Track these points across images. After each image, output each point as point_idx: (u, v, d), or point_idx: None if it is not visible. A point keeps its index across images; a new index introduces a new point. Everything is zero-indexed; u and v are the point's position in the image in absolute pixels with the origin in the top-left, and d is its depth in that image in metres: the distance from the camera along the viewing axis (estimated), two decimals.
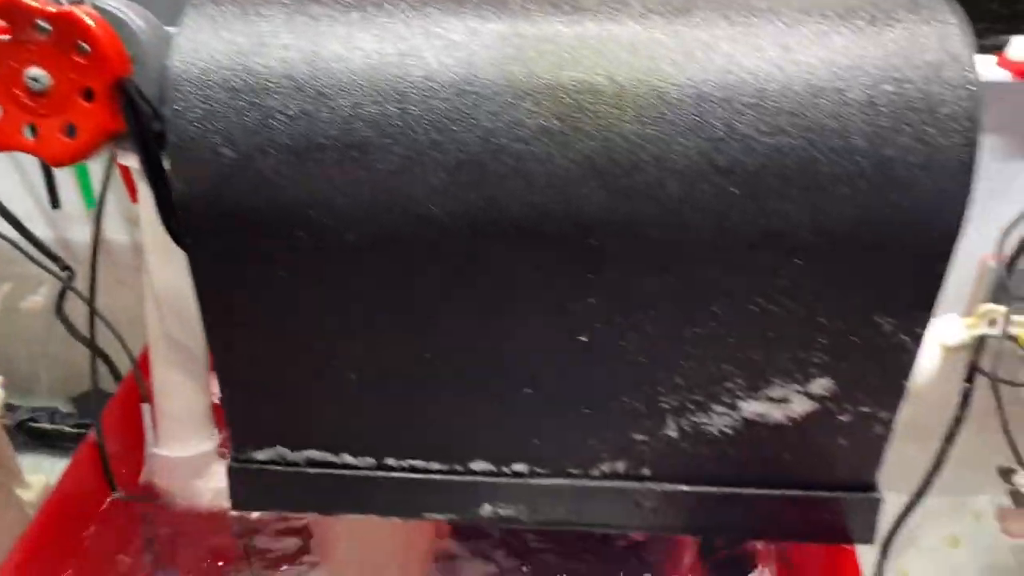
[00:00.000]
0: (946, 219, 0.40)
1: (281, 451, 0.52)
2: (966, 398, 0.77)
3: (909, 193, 0.39)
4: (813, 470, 0.50)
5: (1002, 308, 0.73)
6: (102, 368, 0.70)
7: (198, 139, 0.41)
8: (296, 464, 0.52)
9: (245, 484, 0.53)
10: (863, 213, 0.40)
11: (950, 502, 0.95)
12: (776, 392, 0.47)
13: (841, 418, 0.47)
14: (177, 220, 0.44)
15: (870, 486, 0.51)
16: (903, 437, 0.84)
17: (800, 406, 0.47)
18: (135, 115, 0.43)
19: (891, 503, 0.83)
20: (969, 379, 0.77)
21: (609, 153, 0.39)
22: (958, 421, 0.78)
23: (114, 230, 0.90)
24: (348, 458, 0.52)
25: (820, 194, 0.40)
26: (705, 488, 0.51)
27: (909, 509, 0.82)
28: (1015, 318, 0.74)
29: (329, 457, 0.52)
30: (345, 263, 0.44)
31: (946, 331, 0.74)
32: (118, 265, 0.86)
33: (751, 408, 0.48)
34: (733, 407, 0.48)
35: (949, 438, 0.79)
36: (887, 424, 0.48)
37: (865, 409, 0.47)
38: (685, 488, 0.51)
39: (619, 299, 0.44)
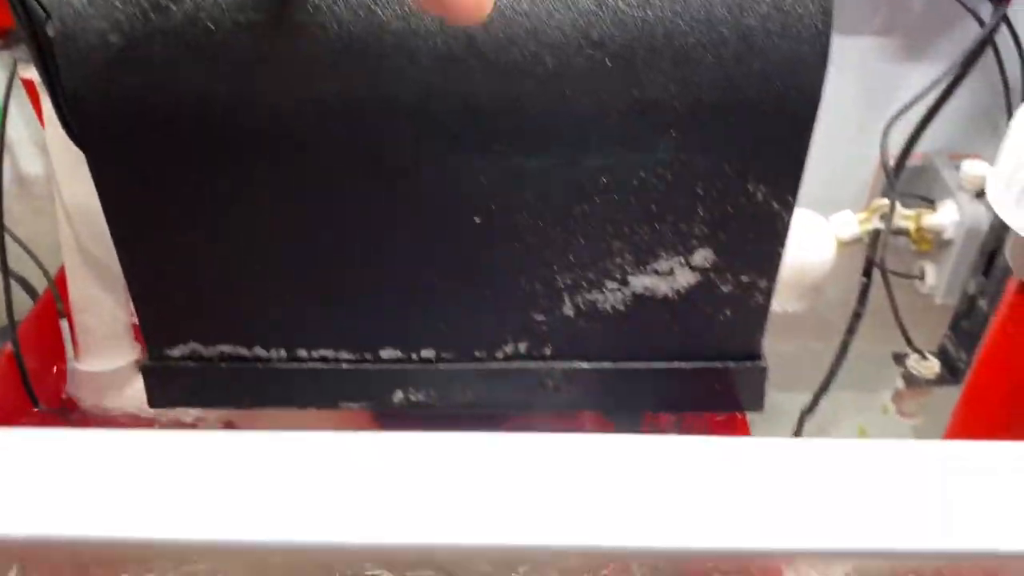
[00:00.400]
0: (806, 85, 0.43)
1: (194, 347, 0.54)
2: (864, 292, 0.82)
3: (770, 60, 0.42)
4: (701, 341, 0.53)
5: (887, 201, 0.78)
6: (23, 295, 0.70)
7: (85, 27, 0.41)
8: (210, 359, 0.54)
9: (161, 383, 0.55)
10: (729, 82, 0.42)
11: (857, 396, 1.00)
12: (662, 265, 0.50)
13: (723, 288, 0.51)
14: (73, 117, 0.45)
15: (755, 355, 0.54)
16: (808, 334, 0.89)
17: (684, 278, 0.50)
18: (24, 10, 0.43)
19: (801, 401, 0.89)
20: (866, 273, 0.82)
21: (487, 28, 0.41)
22: (857, 316, 0.83)
23: (27, 163, 0.89)
24: (260, 351, 0.54)
25: (688, 65, 0.42)
26: (602, 364, 0.54)
27: (816, 401, 0.86)
28: (903, 211, 0.78)
29: (242, 351, 0.54)
30: (238, 152, 0.45)
31: (840, 226, 0.78)
32: (33, 195, 0.85)
33: (640, 283, 0.50)
34: (624, 283, 0.50)
35: (850, 331, 0.83)
36: (766, 293, 0.51)
37: (745, 279, 0.50)
38: (584, 365, 0.54)
39: (508, 179, 0.46)
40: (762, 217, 0.48)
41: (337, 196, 0.47)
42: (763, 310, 0.52)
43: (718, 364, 0.54)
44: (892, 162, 0.78)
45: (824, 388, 0.85)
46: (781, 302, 0.82)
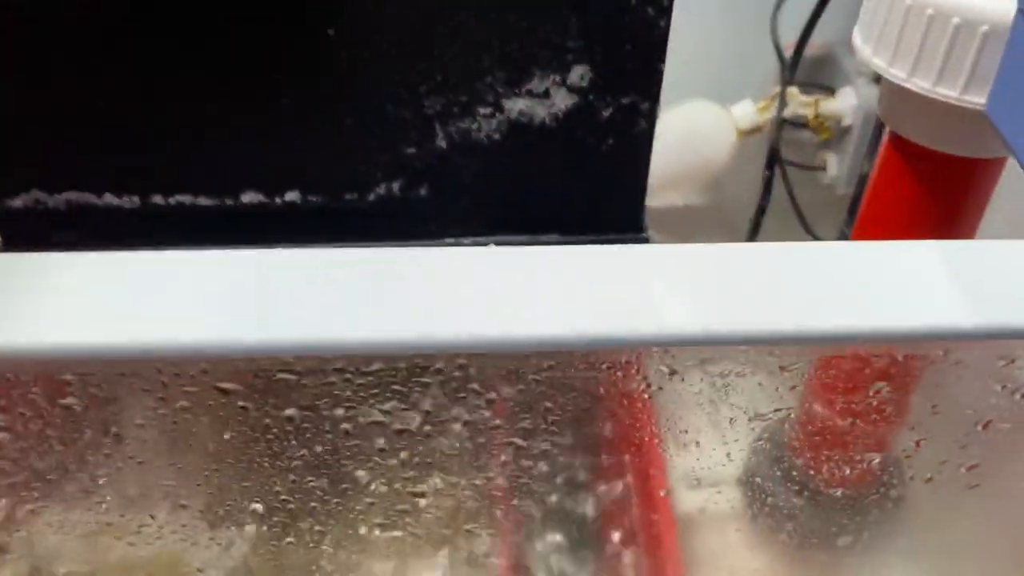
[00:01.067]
0: None
1: (38, 195, 0.49)
2: (768, 185, 0.81)
3: None
4: (582, 177, 0.50)
5: (792, 90, 0.77)
6: None
7: None
8: (56, 209, 0.50)
9: (5, 236, 0.50)
10: None
11: None
12: (536, 85, 0.47)
13: (604, 113, 0.48)
14: None
15: (639, 226, 0.52)
16: (711, 229, 0.87)
17: (562, 100, 0.48)
18: None
19: None
20: (769, 167, 0.81)
21: None
22: (761, 210, 0.82)
23: None
24: (112, 199, 0.50)
25: None
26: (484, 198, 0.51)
27: None
28: (801, 99, 0.77)
29: (91, 199, 0.50)
30: None
31: (740, 116, 0.77)
32: None
33: (515, 107, 0.48)
34: (497, 107, 0.48)
35: (755, 226, 0.82)
36: (649, 118, 0.49)
37: (625, 100, 0.48)
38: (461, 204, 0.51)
39: None
40: (638, 26, 0.46)
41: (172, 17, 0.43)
42: (647, 139, 0.50)
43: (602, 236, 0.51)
44: (789, 51, 0.77)
45: None
46: (683, 195, 0.80)
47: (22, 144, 0.48)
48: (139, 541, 0.40)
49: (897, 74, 0.46)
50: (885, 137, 0.52)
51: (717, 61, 0.80)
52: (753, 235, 0.81)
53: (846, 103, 0.76)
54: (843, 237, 0.77)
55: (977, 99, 0.43)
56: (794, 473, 0.45)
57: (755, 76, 0.84)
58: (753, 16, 0.80)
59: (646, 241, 0.53)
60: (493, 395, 0.34)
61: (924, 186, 0.50)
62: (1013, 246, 0.33)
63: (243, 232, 0.51)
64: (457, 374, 0.33)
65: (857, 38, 0.50)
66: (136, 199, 0.50)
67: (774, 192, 0.80)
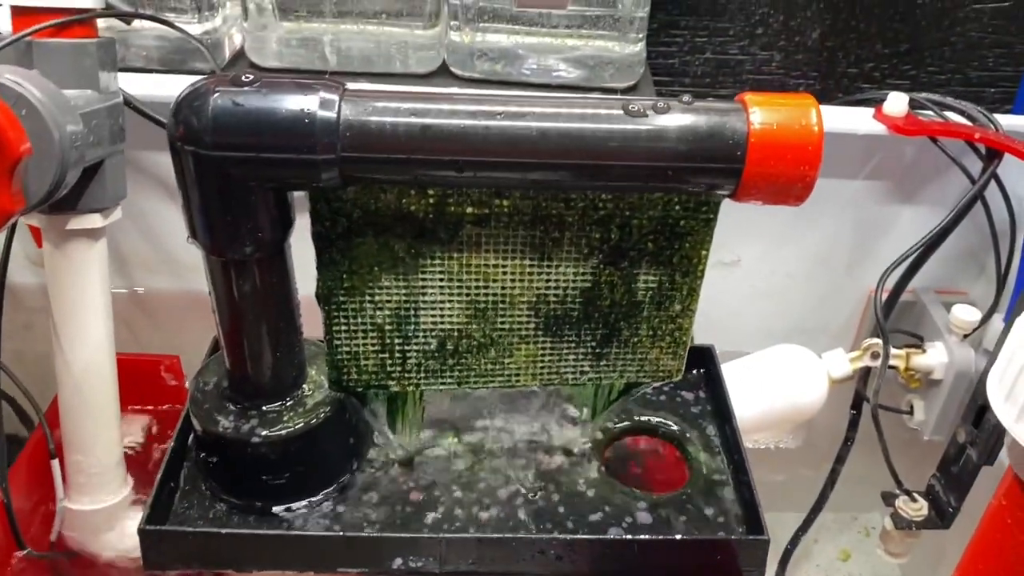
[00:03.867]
0: None
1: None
2: (853, 424, 0.83)
3: None
4: None
5: (878, 341, 0.79)
6: (14, 418, 0.69)
7: None
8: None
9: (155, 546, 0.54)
10: None
11: (842, 519, 1.01)
12: None
13: None
14: None
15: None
16: (799, 462, 0.90)
17: None
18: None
19: (791, 523, 0.89)
20: (855, 406, 0.83)
21: None
22: (847, 442, 0.83)
23: (20, 274, 0.89)
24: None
25: None
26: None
27: (806, 525, 0.87)
28: (893, 351, 0.79)
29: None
30: None
31: (833, 364, 0.79)
32: (24, 308, 0.85)
33: None
34: None
35: (839, 459, 0.84)
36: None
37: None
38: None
39: None
40: None
41: None
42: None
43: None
44: (882, 302, 0.80)
45: (815, 511, 0.85)
46: (776, 437, 0.83)
47: None
48: None
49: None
50: (1007, 475, 0.53)
51: (807, 302, 0.83)
52: (837, 468, 0.83)
53: (937, 360, 0.78)
54: (932, 491, 0.78)
55: None
56: None
57: (840, 317, 0.87)
58: (843, 262, 0.83)
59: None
60: None
61: None
62: None
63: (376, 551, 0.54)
64: None
65: (992, 394, 0.51)
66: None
67: (860, 430, 0.83)
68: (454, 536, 0.54)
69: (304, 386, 0.56)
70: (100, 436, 0.63)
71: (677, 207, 0.50)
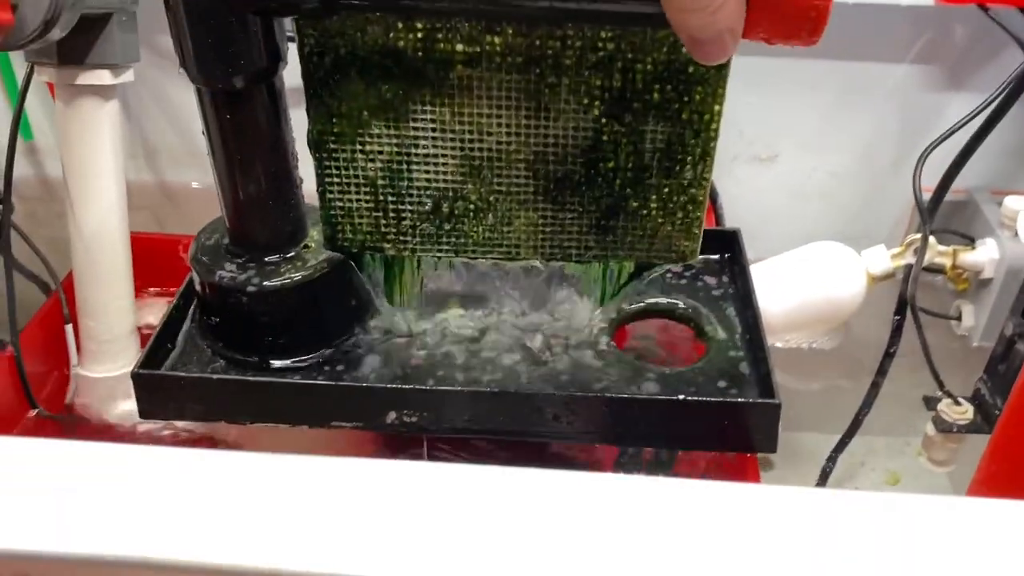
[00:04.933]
0: None
1: None
2: (897, 330, 0.78)
3: None
4: None
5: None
6: (32, 287, 0.70)
7: None
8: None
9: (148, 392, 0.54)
10: None
11: (889, 440, 0.96)
12: None
13: None
14: None
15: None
16: (836, 371, 0.85)
17: None
18: None
19: (828, 443, 0.85)
20: (899, 312, 0.78)
21: None
22: (889, 355, 0.79)
23: (54, 167, 0.90)
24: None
25: None
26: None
27: (842, 445, 0.83)
28: (939, 248, 0.75)
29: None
30: None
31: (872, 260, 0.75)
32: (56, 199, 0.86)
33: None
34: None
35: (881, 371, 0.79)
36: None
37: None
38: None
39: None
40: None
41: None
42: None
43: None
44: (928, 196, 0.75)
45: (852, 431, 0.81)
46: (810, 337, 0.79)
47: None
48: None
49: None
50: None
51: (848, 203, 0.79)
52: (878, 382, 0.78)
53: (987, 256, 0.73)
54: (978, 394, 0.74)
55: None
56: None
57: (887, 219, 0.82)
58: (890, 161, 0.78)
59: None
60: None
61: None
62: None
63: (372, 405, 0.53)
64: None
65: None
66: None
67: (904, 337, 0.78)
68: (449, 389, 0.52)
69: (305, 243, 0.55)
70: (112, 302, 0.63)
71: (684, 48, 0.47)
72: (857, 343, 0.81)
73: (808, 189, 0.79)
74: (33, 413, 0.62)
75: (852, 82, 0.73)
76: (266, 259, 0.53)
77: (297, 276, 0.53)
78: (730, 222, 0.79)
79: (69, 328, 0.64)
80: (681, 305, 0.63)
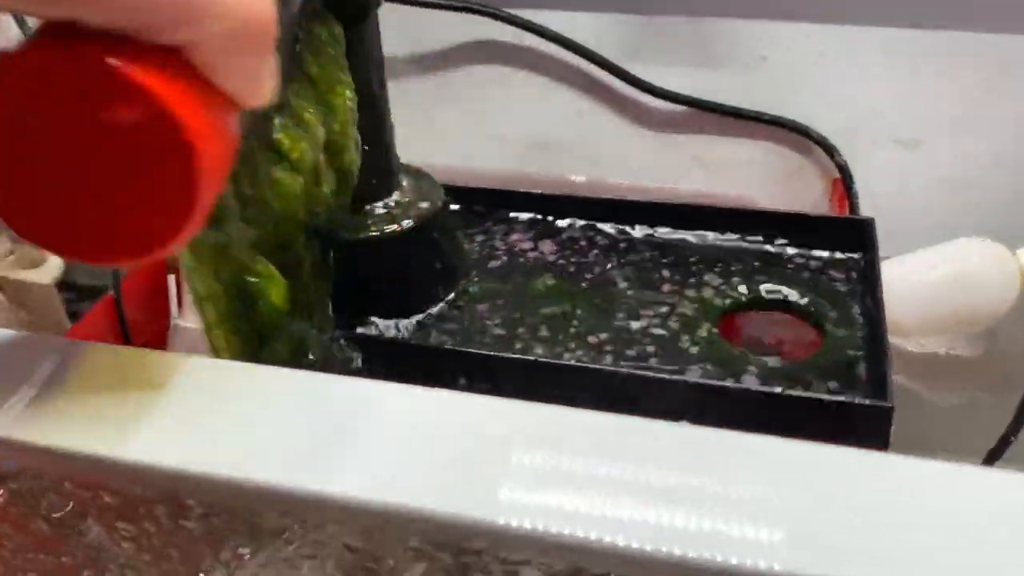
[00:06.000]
0: None
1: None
2: None
3: None
4: None
5: None
6: None
7: None
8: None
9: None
10: None
11: None
12: None
13: None
14: None
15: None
16: (978, 382, 0.76)
17: None
18: None
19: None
20: None
21: None
22: None
23: None
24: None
25: None
26: None
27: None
28: None
29: None
30: None
31: None
32: None
33: None
34: None
35: None
36: None
37: None
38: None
39: None
40: None
41: None
42: None
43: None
44: None
45: (995, 455, 0.72)
46: (947, 342, 0.71)
47: None
48: None
49: None
50: None
51: (999, 194, 0.70)
52: None
53: None
54: None
55: None
56: None
57: None
58: None
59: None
60: None
61: None
62: None
63: None
64: None
65: None
66: None
67: None
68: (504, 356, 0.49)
69: (394, 195, 0.53)
70: None
71: None
72: (1004, 353, 0.72)
73: (956, 178, 0.71)
74: None
75: (1009, 57, 0.65)
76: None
77: (374, 233, 0.51)
78: (866, 212, 0.72)
79: (172, 278, 0.64)
80: (799, 297, 0.57)
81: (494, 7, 0.75)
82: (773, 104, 0.76)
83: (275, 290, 0.44)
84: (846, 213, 0.74)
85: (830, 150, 0.76)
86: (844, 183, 0.76)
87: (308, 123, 0.44)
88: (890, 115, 0.71)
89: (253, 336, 0.44)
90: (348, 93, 0.46)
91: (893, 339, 0.52)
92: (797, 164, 0.78)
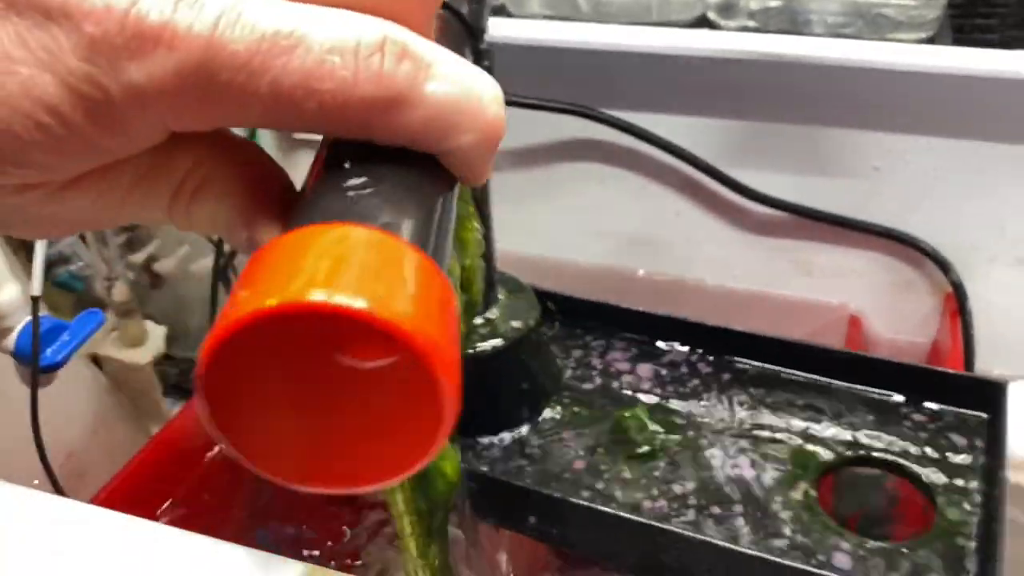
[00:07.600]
0: None
1: None
2: None
3: None
4: None
5: None
6: None
7: None
8: None
9: None
10: None
11: None
12: None
13: None
14: None
15: None
16: None
17: None
18: None
19: None
20: None
21: None
22: None
23: None
24: None
25: None
26: None
27: None
28: None
29: None
30: None
31: None
32: None
33: None
34: None
35: None
36: None
37: None
38: None
39: None
40: None
41: None
42: None
43: None
44: None
45: None
46: None
47: None
48: None
49: None
50: None
51: None
52: None
53: None
54: None
55: None
56: None
57: None
58: None
59: None
60: None
61: None
62: None
63: None
64: None
65: None
66: None
67: None
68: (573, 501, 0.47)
69: (490, 311, 0.52)
70: None
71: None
72: None
73: None
74: None
75: None
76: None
77: (469, 350, 0.50)
78: (983, 335, 0.67)
79: None
80: (912, 461, 0.53)
81: (590, 107, 0.73)
82: (884, 215, 0.71)
83: (450, 464, 0.42)
84: (959, 330, 0.69)
85: (944, 265, 0.71)
86: (957, 299, 0.71)
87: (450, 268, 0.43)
88: (1011, 231, 0.65)
89: (426, 513, 0.42)
90: (476, 226, 0.44)
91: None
92: (907, 278, 0.73)
